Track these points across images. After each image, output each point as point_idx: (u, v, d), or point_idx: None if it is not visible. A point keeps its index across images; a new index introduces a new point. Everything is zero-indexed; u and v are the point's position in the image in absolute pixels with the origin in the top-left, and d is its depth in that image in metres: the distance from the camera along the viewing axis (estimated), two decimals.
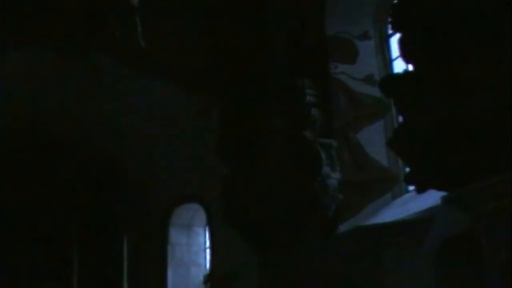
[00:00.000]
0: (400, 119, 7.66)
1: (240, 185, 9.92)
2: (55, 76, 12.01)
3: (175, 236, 14.32)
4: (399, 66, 9.01)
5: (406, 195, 8.71)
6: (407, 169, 6.88)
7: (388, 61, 9.49)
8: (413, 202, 8.07)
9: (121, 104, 12.83)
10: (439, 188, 6.26)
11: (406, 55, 6.33)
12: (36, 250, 13.91)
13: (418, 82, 6.06)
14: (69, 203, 14.25)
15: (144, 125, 13.28)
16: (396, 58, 9.25)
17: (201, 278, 14.16)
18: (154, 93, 12.29)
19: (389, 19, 7.07)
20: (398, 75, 6.70)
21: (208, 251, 14.16)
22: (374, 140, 9.04)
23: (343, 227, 8.71)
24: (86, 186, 14.43)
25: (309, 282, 9.05)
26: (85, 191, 14.41)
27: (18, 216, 13.93)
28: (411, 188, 8.34)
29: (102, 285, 14.23)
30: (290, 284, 9.38)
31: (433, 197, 7.04)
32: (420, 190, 6.55)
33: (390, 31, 9.39)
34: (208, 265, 14.06)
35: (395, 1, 6.71)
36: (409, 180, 6.76)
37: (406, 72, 6.57)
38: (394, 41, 8.78)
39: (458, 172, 5.78)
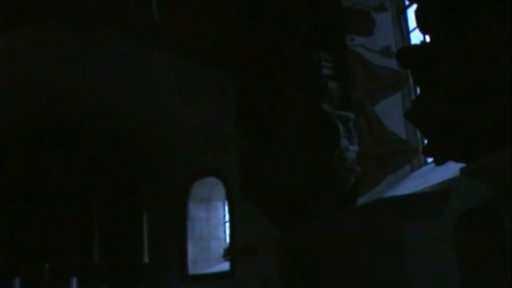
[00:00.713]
0: (418, 90, 7.60)
1: (259, 159, 9.94)
2: (72, 52, 12.04)
3: (194, 210, 14.40)
4: (416, 37, 8.96)
5: (425, 167, 8.68)
6: (426, 141, 6.84)
7: (405, 33, 9.40)
8: (432, 174, 8.04)
9: (138, 78, 12.86)
10: (458, 159, 6.22)
11: (423, 27, 6.27)
12: (58, 226, 14.02)
13: (435, 53, 6.01)
14: (89, 178, 14.33)
15: (163, 99, 13.30)
16: (413, 29, 9.17)
17: (221, 251, 14.25)
18: (172, 68, 12.31)
19: None
20: (415, 47, 6.65)
21: (227, 225, 14.23)
22: (392, 112, 8.99)
23: (361, 200, 8.71)
24: (106, 161, 14.49)
25: (328, 255, 9.08)
26: (105, 165, 14.47)
27: (40, 191, 14.05)
28: (430, 160, 8.32)
29: (123, 258, 14.33)
30: (310, 257, 9.41)
31: (452, 169, 7.01)
32: (439, 162, 6.52)
33: (407, 2, 9.32)
34: (227, 239, 14.14)
35: None
36: (427, 152, 6.72)
37: (423, 43, 6.52)
38: (411, 13, 8.71)
39: (477, 144, 5.74)
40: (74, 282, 12.70)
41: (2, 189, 13.87)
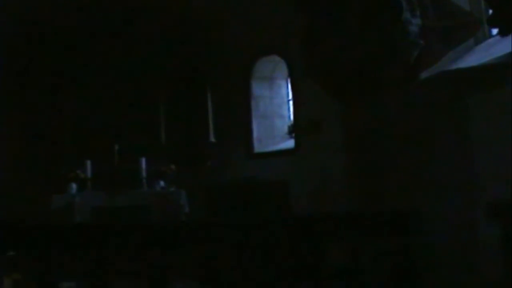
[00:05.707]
0: None
1: (320, 35, 9.88)
2: None
3: (258, 89, 14.47)
4: None
5: (490, 40, 8.55)
6: (490, 12, 6.72)
7: None
8: (497, 47, 7.93)
9: None
10: None
11: None
12: (125, 108, 14.26)
13: None
14: (154, 59, 14.45)
15: None
16: None
17: (285, 129, 14.41)
18: None
19: None
20: None
21: (290, 102, 14.32)
22: None
23: (425, 74, 8.67)
24: (169, 41, 14.55)
25: (393, 129, 9.12)
26: (168, 46, 14.54)
27: (107, 74, 14.27)
28: (495, 32, 8.19)
29: (189, 138, 14.57)
30: (374, 132, 9.48)
31: None
32: (504, 32, 6.43)
33: None
34: (291, 117, 14.26)
35: None
36: (492, 22, 6.63)
37: None
38: None
39: None
40: (143, 162, 13.07)
41: (68, 73, 14.14)
